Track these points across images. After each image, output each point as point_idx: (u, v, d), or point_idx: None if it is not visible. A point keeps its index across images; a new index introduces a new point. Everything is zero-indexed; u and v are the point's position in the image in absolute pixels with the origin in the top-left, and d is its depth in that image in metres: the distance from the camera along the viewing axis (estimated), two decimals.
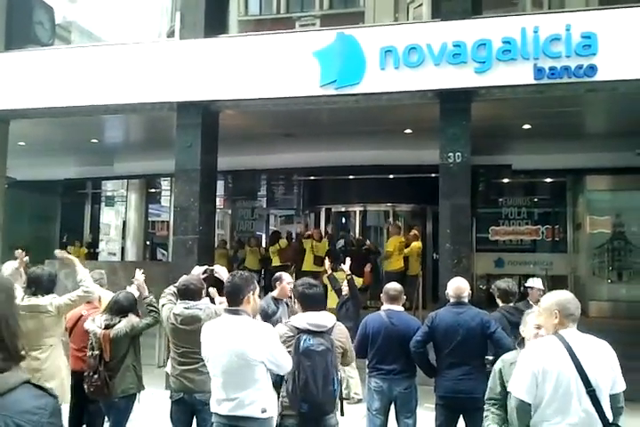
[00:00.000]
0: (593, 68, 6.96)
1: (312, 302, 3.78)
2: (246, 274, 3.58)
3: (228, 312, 3.41)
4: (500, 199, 12.81)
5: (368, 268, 9.62)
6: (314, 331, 3.62)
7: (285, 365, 3.36)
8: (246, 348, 3.24)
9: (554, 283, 10.57)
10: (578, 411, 2.79)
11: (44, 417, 1.39)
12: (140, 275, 5.13)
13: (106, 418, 4.79)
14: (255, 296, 3.45)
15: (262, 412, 3.27)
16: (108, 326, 4.55)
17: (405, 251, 10.84)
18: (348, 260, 7.08)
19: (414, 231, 11.44)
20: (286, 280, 5.60)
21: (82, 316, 4.99)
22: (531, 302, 6.04)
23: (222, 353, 3.30)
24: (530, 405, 2.86)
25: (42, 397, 1.43)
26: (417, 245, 11.04)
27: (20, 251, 5.36)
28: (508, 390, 3.00)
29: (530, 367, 2.87)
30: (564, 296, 3.04)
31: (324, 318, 3.73)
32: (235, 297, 3.41)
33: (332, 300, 7.87)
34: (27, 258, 5.38)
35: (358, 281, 9.16)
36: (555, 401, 2.81)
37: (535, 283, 6.57)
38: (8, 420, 1.35)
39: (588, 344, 2.91)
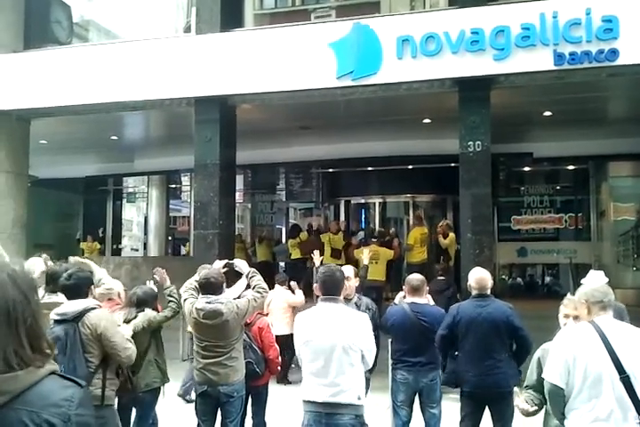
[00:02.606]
0: (614, 53, 6.83)
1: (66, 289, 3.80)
2: (337, 267, 3.77)
3: (326, 300, 3.57)
4: (522, 188, 12.67)
5: (396, 242, 10.52)
6: (57, 320, 3.64)
7: (374, 354, 3.53)
8: (350, 335, 3.40)
9: (578, 271, 10.44)
10: (611, 398, 2.76)
11: (71, 409, 1.34)
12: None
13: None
14: (348, 284, 3.80)
15: (358, 399, 3.39)
16: (125, 321, 4.58)
17: (446, 242, 10.70)
18: (317, 252, 6.33)
19: (447, 221, 11.23)
20: (350, 273, 4.74)
21: None
22: None
23: (325, 338, 3.41)
24: (563, 389, 2.86)
25: (68, 387, 1.38)
26: (454, 235, 10.90)
27: (45, 256, 5.26)
28: (542, 376, 3.01)
29: (562, 353, 2.89)
30: (591, 286, 3.14)
31: (66, 306, 3.72)
32: (334, 286, 3.60)
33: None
34: (50, 263, 5.31)
35: (389, 253, 9.90)
36: (586, 388, 2.80)
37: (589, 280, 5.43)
38: (34, 416, 1.31)
39: (623, 331, 2.90)
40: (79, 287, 3.77)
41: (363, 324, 3.51)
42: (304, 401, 3.45)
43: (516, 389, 3.44)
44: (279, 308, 7.56)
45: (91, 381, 3.60)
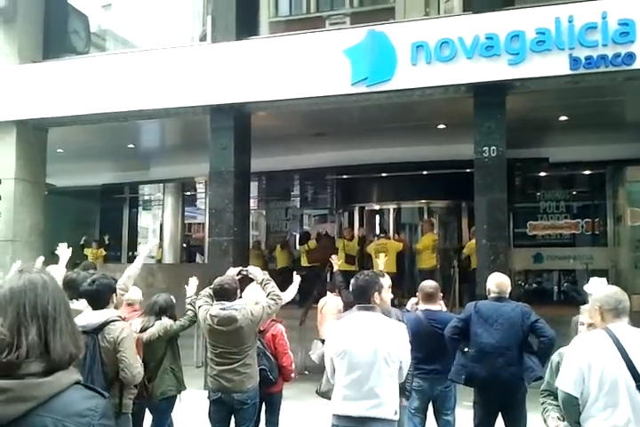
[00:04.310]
0: (631, 56, 6.77)
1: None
2: (371, 274, 3.58)
3: (361, 309, 3.42)
4: (538, 193, 12.57)
5: (402, 236, 11.59)
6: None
7: (409, 365, 3.38)
8: (390, 345, 3.27)
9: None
10: (627, 406, 2.71)
11: (95, 419, 1.37)
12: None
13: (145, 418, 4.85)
14: (383, 294, 3.46)
15: (395, 414, 3.24)
16: (142, 329, 4.60)
17: (464, 251, 10.70)
18: (335, 256, 6.66)
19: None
20: (387, 284, 3.80)
21: None
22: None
23: (364, 348, 3.27)
24: (577, 398, 2.82)
25: (92, 398, 1.41)
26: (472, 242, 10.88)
27: (63, 245, 5.22)
28: (555, 384, 2.96)
29: (576, 361, 2.84)
30: (604, 292, 3.05)
31: (87, 317, 3.73)
32: (362, 296, 3.45)
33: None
34: (70, 249, 5.27)
35: (397, 245, 10.55)
36: (602, 396, 2.75)
37: (591, 288, 4.54)
38: (58, 423, 1.33)
39: (638, 338, 2.84)
40: (102, 294, 3.81)
41: (402, 334, 3.37)
42: (335, 416, 3.31)
43: (549, 414, 3.34)
44: (330, 313, 7.58)
45: (108, 392, 3.60)
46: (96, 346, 3.63)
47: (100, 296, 3.80)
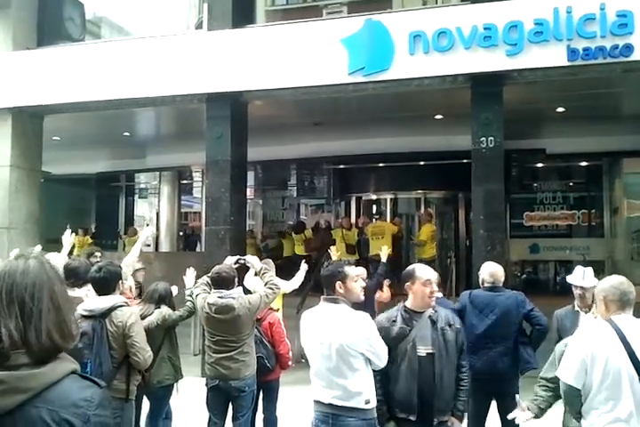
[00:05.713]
0: (629, 48, 6.76)
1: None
2: (335, 263, 3.47)
3: (325, 300, 3.36)
4: (535, 184, 12.60)
5: (397, 220, 11.84)
6: (85, 315, 3.72)
7: (383, 355, 3.25)
8: (345, 338, 3.17)
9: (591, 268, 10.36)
10: (629, 399, 2.71)
11: (90, 409, 1.35)
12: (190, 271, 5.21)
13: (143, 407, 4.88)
14: (348, 284, 3.31)
15: (366, 403, 3.19)
16: (142, 317, 4.61)
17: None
18: (334, 247, 6.87)
19: None
20: (424, 278, 3.53)
21: None
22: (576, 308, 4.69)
23: (319, 341, 3.26)
24: (579, 390, 2.82)
25: (88, 388, 1.39)
26: None
27: (69, 231, 5.33)
28: (556, 374, 2.97)
29: (579, 353, 2.83)
30: (609, 282, 3.00)
31: (94, 302, 3.82)
32: (327, 287, 3.38)
33: None
34: (73, 236, 5.38)
35: (394, 228, 10.95)
36: (604, 388, 2.74)
37: (574, 278, 4.71)
38: (54, 415, 1.32)
39: None
40: (108, 281, 3.86)
41: (362, 325, 3.21)
42: (313, 400, 3.36)
43: (517, 397, 3.38)
44: None
45: (114, 376, 3.67)
46: (103, 330, 3.69)
47: (107, 283, 3.86)
